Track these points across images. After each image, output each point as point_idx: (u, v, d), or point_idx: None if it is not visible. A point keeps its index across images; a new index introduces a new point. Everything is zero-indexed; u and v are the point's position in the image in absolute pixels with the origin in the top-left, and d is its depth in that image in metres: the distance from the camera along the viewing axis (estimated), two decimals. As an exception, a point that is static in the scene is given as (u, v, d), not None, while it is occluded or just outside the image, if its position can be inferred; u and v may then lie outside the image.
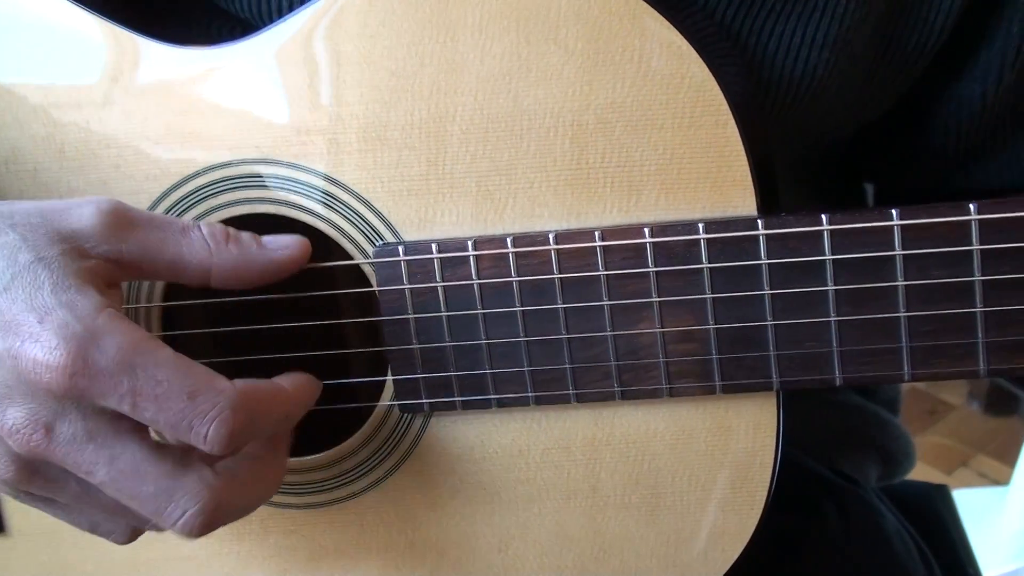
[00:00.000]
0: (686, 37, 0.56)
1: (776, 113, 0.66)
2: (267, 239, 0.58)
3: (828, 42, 0.63)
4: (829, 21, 0.63)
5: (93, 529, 0.57)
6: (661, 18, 0.55)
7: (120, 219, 0.54)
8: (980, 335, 0.53)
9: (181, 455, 0.52)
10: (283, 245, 0.58)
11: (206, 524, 0.52)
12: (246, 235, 0.58)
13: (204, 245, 0.56)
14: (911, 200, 0.80)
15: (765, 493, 0.59)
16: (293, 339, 0.63)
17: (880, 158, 0.78)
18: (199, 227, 0.57)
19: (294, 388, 0.57)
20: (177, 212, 0.64)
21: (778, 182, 0.65)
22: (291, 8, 0.62)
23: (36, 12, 0.63)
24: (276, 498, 0.67)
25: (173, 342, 0.56)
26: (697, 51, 0.55)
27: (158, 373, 0.50)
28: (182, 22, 0.73)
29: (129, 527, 0.57)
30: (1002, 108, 0.68)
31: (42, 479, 0.54)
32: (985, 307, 0.53)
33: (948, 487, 0.91)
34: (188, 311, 0.66)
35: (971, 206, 0.52)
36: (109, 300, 0.52)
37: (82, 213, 0.54)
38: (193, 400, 0.50)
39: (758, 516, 0.60)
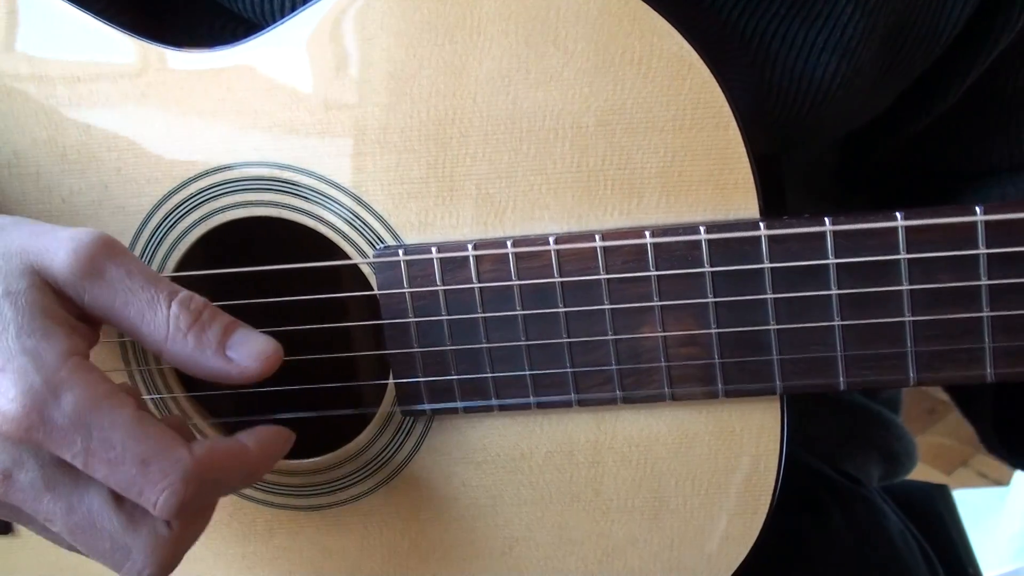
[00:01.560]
0: (689, 37, 0.55)
1: (782, 116, 0.66)
2: (238, 339, 0.54)
3: (830, 47, 0.63)
4: (832, 27, 0.63)
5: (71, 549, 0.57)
6: (662, 19, 0.54)
7: (92, 267, 0.52)
8: (987, 340, 0.52)
9: (135, 505, 0.52)
10: (249, 356, 0.54)
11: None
12: (214, 329, 0.54)
13: (164, 327, 0.53)
14: (912, 193, 0.80)
15: (769, 497, 0.59)
16: (295, 341, 0.63)
17: (866, 148, 0.78)
18: (170, 305, 0.53)
19: (258, 446, 0.55)
20: (177, 215, 0.63)
21: (785, 185, 0.65)
22: (293, 8, 0.62)
23: (37, 13, 0.62)
24: (281, 500, 0.67)
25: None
26: (699, 52, 0.54)
27: (113, 435, 0.49)
28: (186, 22, 0.73)
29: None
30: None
31: (7, 512, 0.54)
32: (992, 312, 0.52)
33: (948, 487, 0.90)
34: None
35: (977, 208, 0.51)
36: (77, 345, 0.51)
37: (57, 252, 0.52)
38: (145, 467, 0.49)
39: (762, 520, 0.59)
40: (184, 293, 0.54)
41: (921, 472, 0.94)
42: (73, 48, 0.63)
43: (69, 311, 0.53)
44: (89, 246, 0.52)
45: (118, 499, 0.52)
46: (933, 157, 0.80)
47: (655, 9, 0.54)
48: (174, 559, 0.53)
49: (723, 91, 0.54)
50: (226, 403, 0.67)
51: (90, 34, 0.62)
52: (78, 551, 0.54)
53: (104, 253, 0.53)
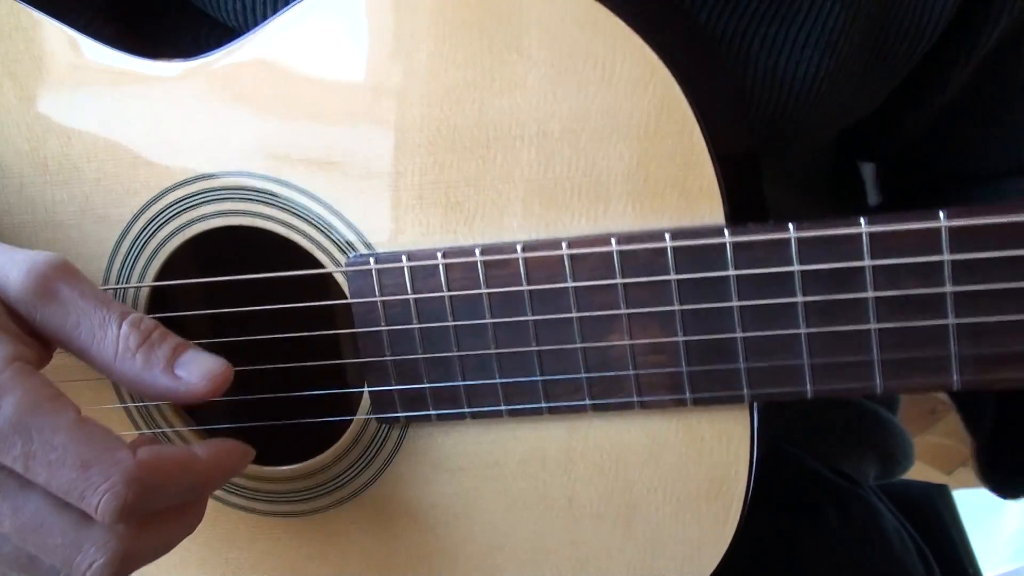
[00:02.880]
0: (654, 42, 0.54)
1: (766, 116, 0.65)
2: (187, 359, 0.55)
3: (812, 42, 0.62)
4: (813, 22, 0.62)
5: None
6: (624, 25, 0.54)
7: (45, 289, 0.52)
8: (953, 348, 0.51)
9: None
10: (197, 375, 0.54)
11: (115, 574, 0.52)
12: (163, 349, 0.54)
13: (113, 346, 0.53)
14: (918, 197, 0.79)
15: (740, 505, 0.58)
16: (267, 350, 0.63)
17: (861, 147, 0.77)
18: (120, 325, 0.53)
19: (211, 458, 0.55)
20: (156, 225, 0.64)
21: (778, 187, 0.64)
22: (275, 13, 0.62)
23: (13, 24, 0.63)
24: (263, 507, 0.67)
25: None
26: (661, 57, 0.54)
27: (54, 438, 0.49)
28: (170, 32, 0.73)
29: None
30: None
31: None
32: (957, 319, 0.51)
33: (948, 487, 0.89)
34: (176, 304, 0.66)
35: (941, 213, 0.50)
36: (21, 352, 0.51)
37: (11, 271, 0.52)
38: (86, 470, 0.49)
39: (734, 528, 0.59)
40: (135, 314, 0.54)
41: (921, 472, 0.92)
42: (54, 61, 0.64)
43: (20, 327, 0.53)
44: (43, 266, 0.53)
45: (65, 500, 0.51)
46: (935, 160, 0.79)
47: (619, 15, 0.54)
48: (126, 560, 0.52)
49: (686, 96, 0.54)
50: (208, 411, 0.68)
51: (72, 47, 0.63)
52: (29, 566, 0.54)
53: (58, 275, 0.53)
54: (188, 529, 0.57)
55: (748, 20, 0.62)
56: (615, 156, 0.56)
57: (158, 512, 0.54)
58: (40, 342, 0.55)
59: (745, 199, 0.56)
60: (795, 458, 0.84)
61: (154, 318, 0.64)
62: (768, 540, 0.78)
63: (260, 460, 0.66)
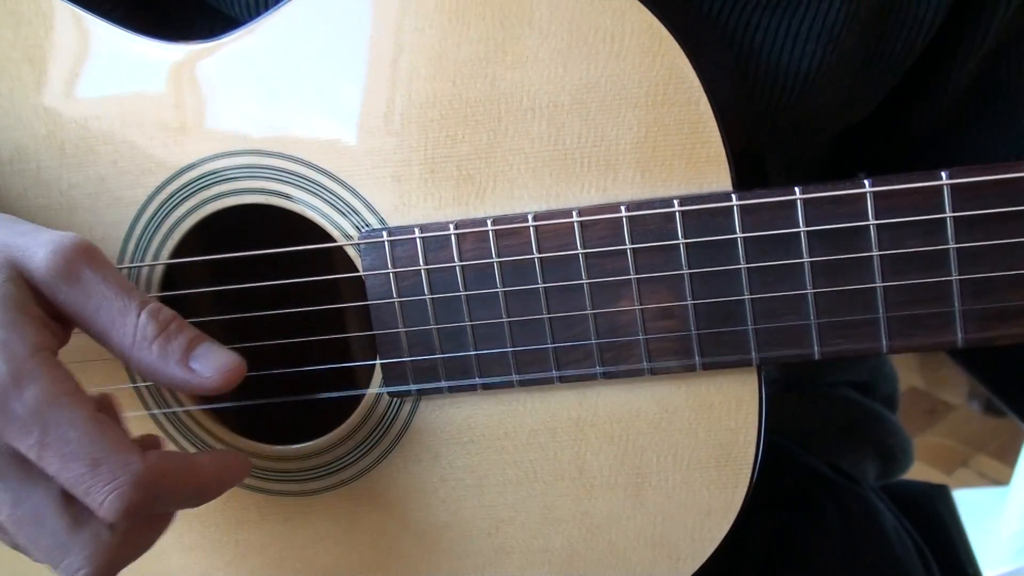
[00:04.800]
0: (663, 20, 0.56)
1: (767, 108, 0.66)
2: (201, 352, 0.55)
3: (814, 35, 0.63)
4: (815, 15, 0.63)
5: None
6: (632, -3, 0.56)
7: (70, 269, 0.53)
8: (956, 304, 0.53)
9: (82, 507, 0.52)
10: (211, 368, 0.55)
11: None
12: (179, 341, 0.55)
13: (131, 334, 0.54)
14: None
15: (750, 470, 0.59)
16: (282, 324, 0.64)
17: (865, 147, 0.78)
18: (139, 314, 0.54)
19: (214, 468, 0.56)
20: (172, 205, 0.65)
21: (768, 170, 0.66)
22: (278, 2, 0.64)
23: (32, 10, 0.65)
24: (273, 486, 0.68)
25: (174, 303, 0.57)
26: (669, 29, 0.56)
27: (69, 432, 0.50)
28: (183, 25, 0.75)
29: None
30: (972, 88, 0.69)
31: None
32: (960, 275, 0.52)
33: (948, 487, 0.90)
34: (190, 282, 0.67)
35: (943, 173, 0.52)
36: (46, 340, 0.52)
37: (37, 252, 0.53)
38: (96, 468, 0.50)
39: (744, 493, 0.59)
40: (154, 304, 0.55)
41: (921, 472, 0.93)
42: (74, 46, 0.65)
43: (43, 309, 0.54)
44: (69, 249, 0.54)
45: (67, 499, 0.52)
46: (943, 162, 0.80)
47: (628, -10, 0.56)
48: (111, 566, 0.53)
49: (694, 67, 0.55)
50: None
51: (90, 32, 0.65)
52: (16, 546, 0.55)
53: (83, 258, 0.54)
54: (161, 533, 0.58)
55: (751, 12, 0.64)
56: (624, 126, 0.57)
57: (140, 523, 0.55)
58: (60, 323, 0.56)
59: (750, 167, 0.58)
60: (795, 456, 0.85)
61: (167, 296, 0.66)
62: (768, 538, 0.78)
63: (270, 439, 0.67)
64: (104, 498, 0.50)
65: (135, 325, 0.54)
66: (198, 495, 0.56)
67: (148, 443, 0.58)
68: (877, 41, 0.67)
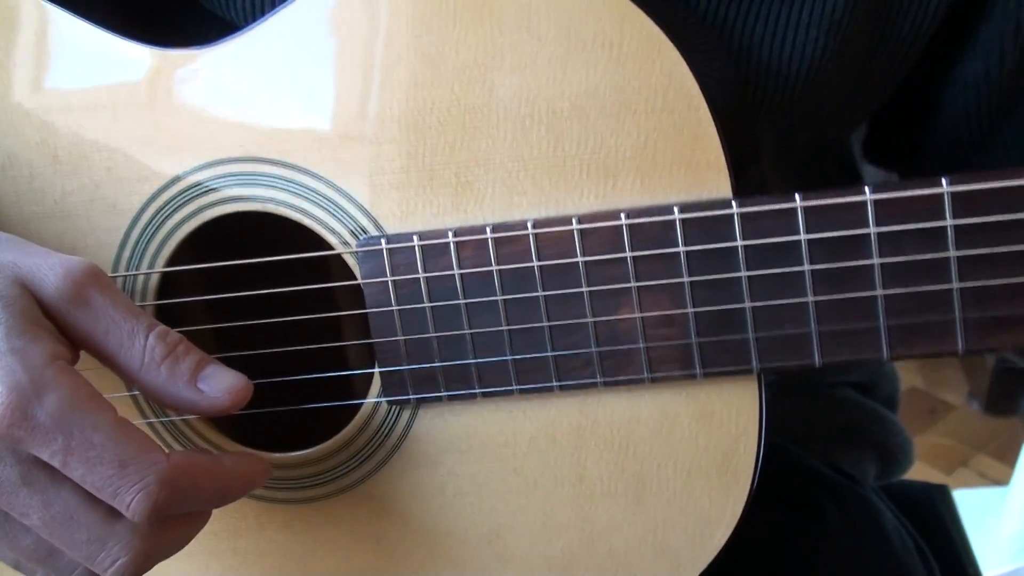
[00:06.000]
0: (660, 24, 0.56)
1: (774, 103, 0.66)
2: (209, 373, 0.56)
3: (815, 22, 0.63)
4: (815, 2, 0.63)
5: (16, 567, 0.57)
6: (629, 2, 0.55)
7: (79, 293, 0.54)
8: (957, 312, 0.53)
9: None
10: (219, 389, 0.56)
11: (135, 572, 0.53)
12: (187, 362, 0.56)
13: (139, 356, 0.55)
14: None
15: (750, 478, 0.59)
16: (279, 333, 0.64)
17: (892, 150, 0.77)
18: (147, 337, 0.55)
19: (235, 468, 0.57)
20: (167, 213, 0.65)
21: (766, 173, 0.65)
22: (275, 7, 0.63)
23: (26, 17, 0.64)
24: (272, 494, 0.67)
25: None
26: (668, 35, 0.55)
27: (94, 436, 0.50)
28: (180, 31, 0.74)
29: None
30: (1009, 86, 0.67)
31: None
32: (961, 283, 0.52)
33: (948, 487, 0.90)
34: (186, 291, 0.67)
35: (943, 180, 0.52)
36: (62, 351, 0.52)
37: (48, 274, 0.54)
38: (123, 469, 0.50)
39: (744, 500, 0.59)
40: (161, 327, 0.56)
41: (921, 472, 0.93)
42: (66, 51, 0.64)
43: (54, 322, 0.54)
44: (78, 273, 0.54)
45: (93, 497, 0.52)
46: (963, 164, 0.78)
47: (626, -4, 0.56)
48: (147, 559, 0.54)
49: (692, 72, 0.55)
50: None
51: (84, 38, 0.64)
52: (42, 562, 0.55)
53: (92, 282, 0.55)
54: (198, 529, 0.58)
55: (749, 3, 0.63)
56: (623, 133, 0.57)
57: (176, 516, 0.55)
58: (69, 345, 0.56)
59: (749, 173, 0.58)
60: (795, 456, 0.85)
61: (163, 304, 0.65)
62: (768, 537, 0.78)
63: (269, 447, 0.67)
64: (132, 498, 0.51)
65: (143, 347, 0.55)
66: (220, 496, 0.57)
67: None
68: (882, 25, 0.65)
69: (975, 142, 0.71)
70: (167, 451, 0.53)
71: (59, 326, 0.54)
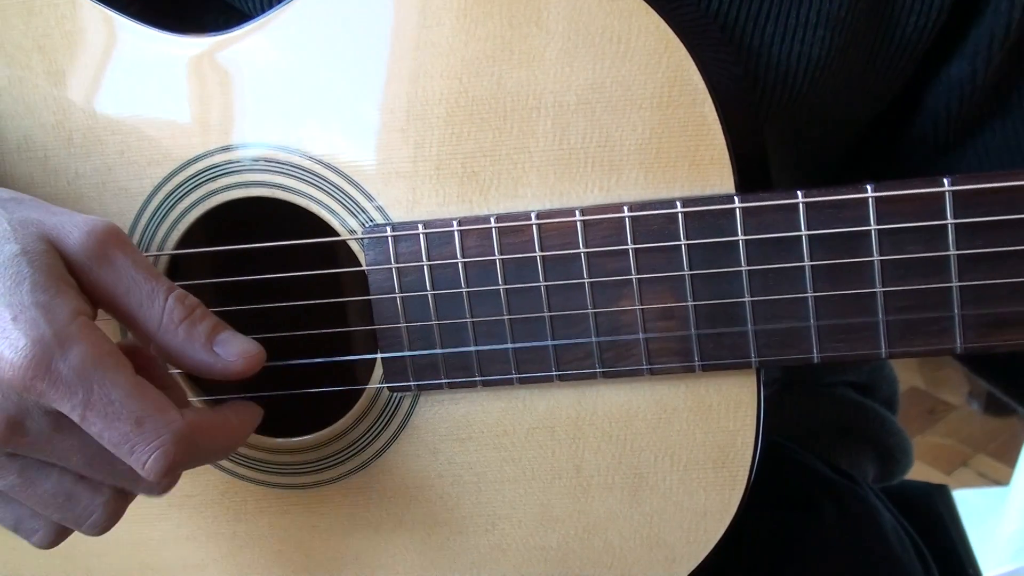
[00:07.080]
0: (668, 21, 0.57)
1: (781, 102, 0.66)
2: (224, 338, 0.57)
3: (822, 20, 0.63)
4: (820, 1, 0.63)
5: (16, 526, 0.58)
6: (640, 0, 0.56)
7: (102, 251, 0.55)
8: (956, 310, 0.53)
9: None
10: (234, 353, 0.57)
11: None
12: (204, 325, 0.57)
13: (158, 316, 0.56)
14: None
15: (747, 473, 0.59)
16: (283, 318, 0.64)
17: (871, 148, 0.77)
18: (167, 298, 0.56)
19: (239, 420, 0.58)
20: (177, 196, 0.65)
21: (771, 169, 0.65)
22: None
23: (44, 1, 0.65)
24: (272, 479, 0.68)
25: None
26: (675, 32, 0.56)
27: (113, 392, 0.51)
28: (196, 21, 0.75)
29: (54, 528, 0.58)
30: (991, 87, 0.68)
31: (5, 478, 0.55)
32: (960, 282, 0.53)
33: (948, 487, 0.90)
34: (194, 274, 0.67)
35: (945, 180, 0.52)
36: (85, 307, 0.53)
37: (72, 231, 0.55)
38: (140, 426, 0.52)
39: (740, 495, 0.59)
40: (180, 290, 0.57)
41: (921, 472, 0.93)
42: (85, 36, 0.65)
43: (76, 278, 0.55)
44: (102, 232, 0.55)
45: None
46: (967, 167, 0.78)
47: (635, -8, 0.56)
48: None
49: (699, 68, 0.56)
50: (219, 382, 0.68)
51: (102, 23, 0.65)
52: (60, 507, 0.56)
53: (115, 241, 0.56)
54: (235, 442, 0.60)
55: (759, 4, 0.64)
56: (629, 127, 0.57)
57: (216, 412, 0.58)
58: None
59: (753, 170, 0.58)
60: (794, 455, 0.85)
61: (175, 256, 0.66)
62: (766, 537, 0.78)
63: (270, 432, 0.67)
64: (148, 457, 0.52)
65: (163, 308, 0.56)
66: (228, 450, 0.60)
67: (178, 401, 0.58)
68: (885, 23, 0.66)
69: (945, 145, 0.71)
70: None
71: (81, 283, 0.55)
